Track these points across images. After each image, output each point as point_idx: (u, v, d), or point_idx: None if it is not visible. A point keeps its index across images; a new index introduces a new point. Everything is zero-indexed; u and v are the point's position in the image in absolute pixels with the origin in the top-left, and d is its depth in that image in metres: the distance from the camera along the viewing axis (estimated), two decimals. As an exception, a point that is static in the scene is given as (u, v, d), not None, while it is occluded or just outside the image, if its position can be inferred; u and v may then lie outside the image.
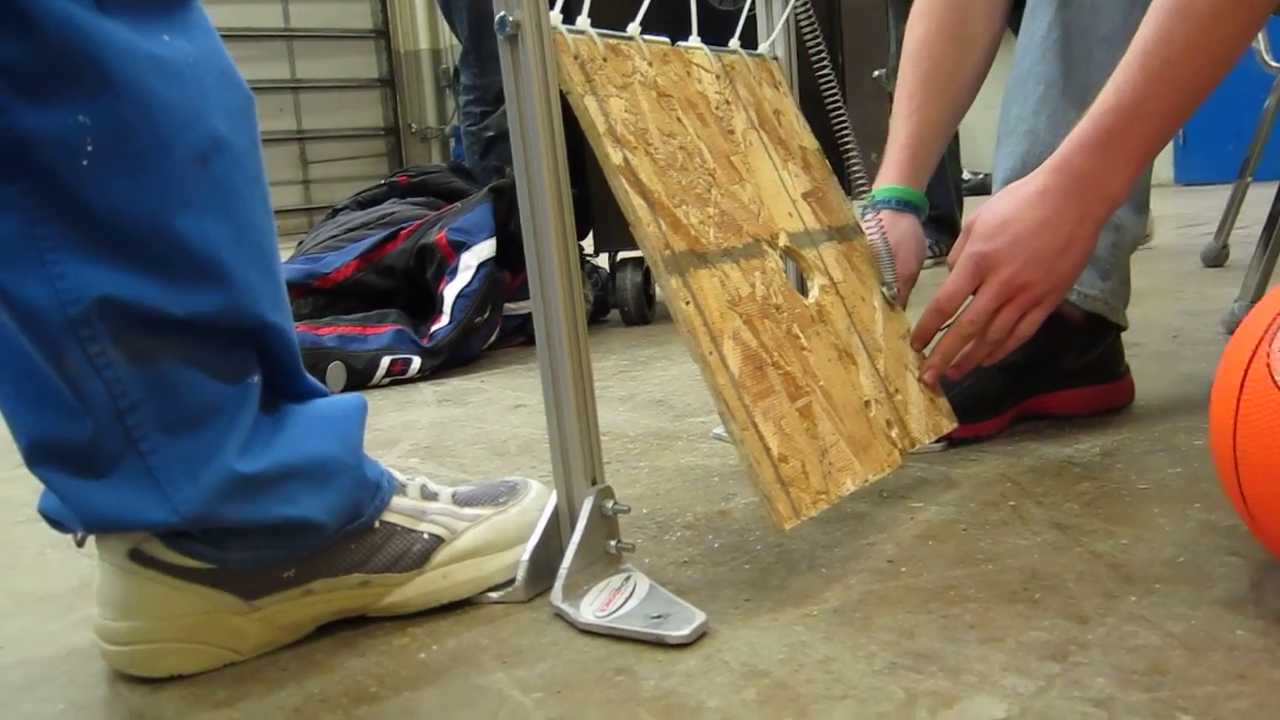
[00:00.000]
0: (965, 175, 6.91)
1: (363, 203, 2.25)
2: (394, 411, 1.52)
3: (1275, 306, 0.69)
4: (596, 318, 2.25)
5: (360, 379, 1.69)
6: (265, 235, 0.71)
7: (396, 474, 0.79)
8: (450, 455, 1.24)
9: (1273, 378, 0.65)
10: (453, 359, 1.79)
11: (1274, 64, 2.22)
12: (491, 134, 2.40)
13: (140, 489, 0.65)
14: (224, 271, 0.66)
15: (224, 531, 0.69)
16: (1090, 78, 1.10)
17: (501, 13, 0.73)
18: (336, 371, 1.67)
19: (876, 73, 8.42)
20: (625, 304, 2.15)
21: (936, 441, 1.07)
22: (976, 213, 1.00)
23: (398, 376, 1.72)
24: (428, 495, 0.80)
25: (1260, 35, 2.21)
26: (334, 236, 2.06)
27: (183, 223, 0.64)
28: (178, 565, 0.69)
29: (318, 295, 1.91)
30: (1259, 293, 1.61)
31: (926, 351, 1.03)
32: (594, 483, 0.78)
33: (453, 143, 10.30)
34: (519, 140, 0.75)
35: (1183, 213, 4.12)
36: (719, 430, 1.22)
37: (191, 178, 0.65)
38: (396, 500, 0.77)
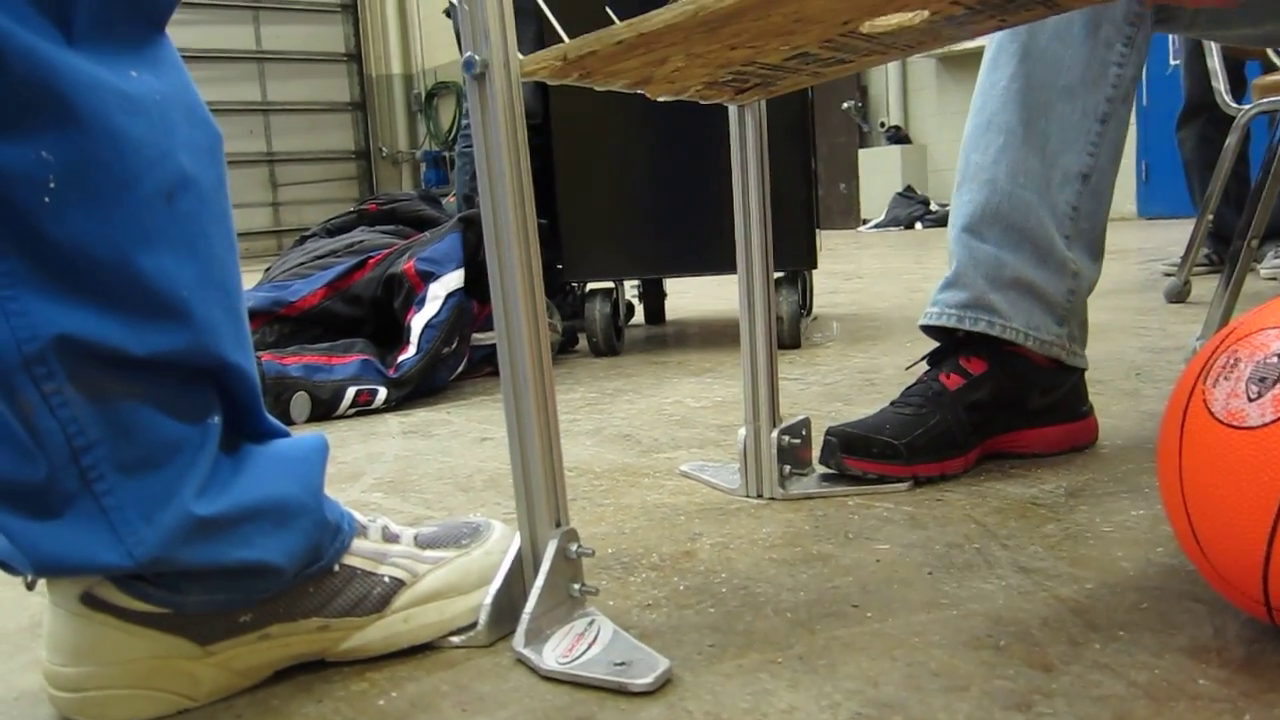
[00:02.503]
0: (932, 207, 7.01)
1: (331, 230, 2.25)
2: (359, 443, 1.51)
3: (1212, 347, 0.69)
4: (566, 348, 2.24)
5: (325, 409, 1.68)
6: (229, 274, 0.70)
7: (358, 515, 0.78)
8: (415, 490, 1.23)
9: (1210, 413, 0.66)
10: (419, 390, 1.78)
11: (1234, 105, 2.26)
12: None
13: (94, 531, 0.64)
14: (187, 310, 0.65)
15: (179, 575, 0.67)
16: (1049, 128, 1.12)
17: (469, 52, 0.73)
18: (301, 402, 1.66)
19: (846, 104, 8.54)
20: (594, 335, 2.15)
21: (902, 480, 1.08)
22: None
23: (363, 407, 1.71)
24: (389, 537, 0.79)
25: (1221, 76, 2.25)
26: (302, 264, 2.05)
27: (146, 260, 0.63)
28: (131, 609, 0.67)
29: (284, 323, 1.90)
30: (1222, 323, 1.63)
31: None
32: (558, 525, 0.78)
33: (423, 167, 10.30)
34: (485, 177, 0.75)
35: (1145, 247, 4.18)
36: (686, 467, 1.22)
37: (156, 215, 0.64)
38: (357, 543, 0.76)
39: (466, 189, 2.38)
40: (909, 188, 7.24)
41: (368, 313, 1.91)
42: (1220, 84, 2.30)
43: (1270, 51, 1.89)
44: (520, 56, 0.76)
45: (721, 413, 1.53)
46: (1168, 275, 2.80)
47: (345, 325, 1.90)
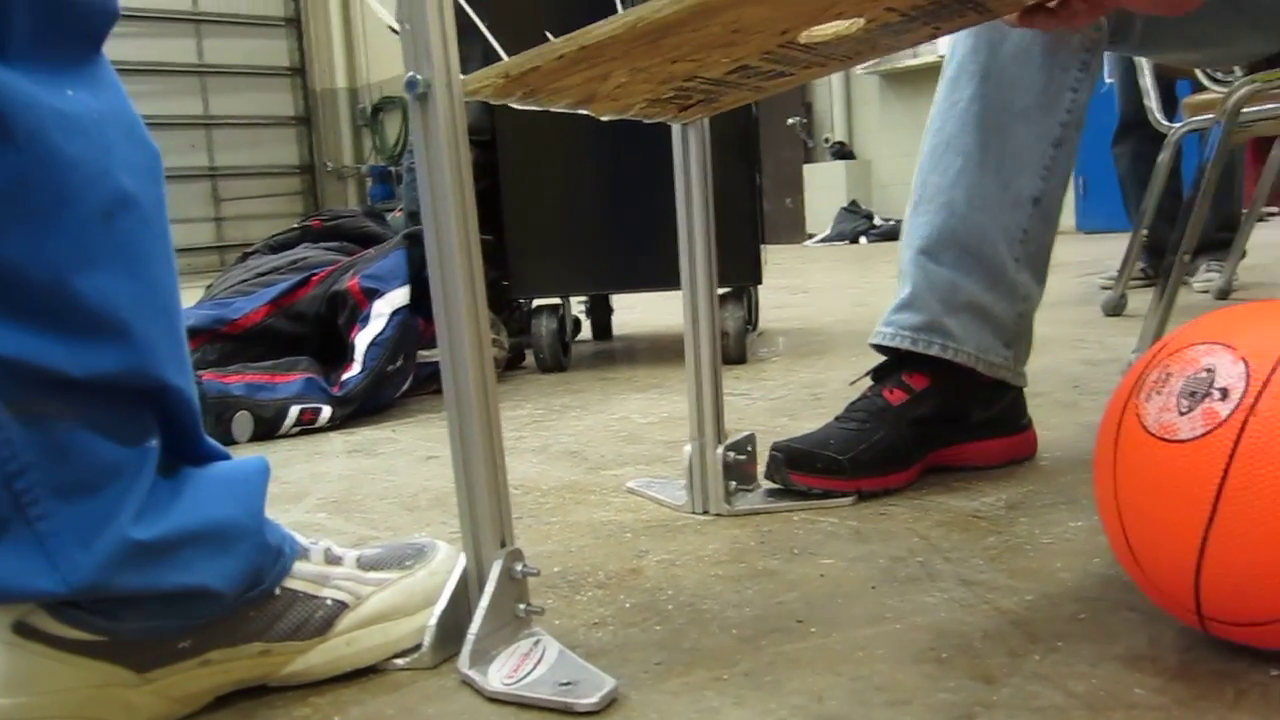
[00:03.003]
0: (877, 221, 7.09)
1: (274, 246, 2.22)
2: (303, 463, 1.49)
3: (1145, 361, 0.71)
4: (512, 365, 2.24)
5: (268, 428, 1.66)
6: (169, 295, 0.69)
7: (299, 538, 0.77)
8: (359, 510, 1.21)
9: (1143, 427, 0.67)
10: (364, 408, 1.76)
11: (1166, 123, 2.31)
12: None
13: (26, 557, 0.63)
14: (125, 331, 0.64)
15: (116, 601, 0.66)
16: (1006, 151, 1.13)
17: (411, 72, 0.73)
18: (243, 421, 1.63)
19: (791, 120, 8.61)
20: (541, 351, 2.14)
21: (847, 495, 1.09)
22: None
23: (307, 426, 1.69)
24: (332, 559, 0.78)
25: (1154, 95, 2.31)
26: (244, 281, 2.03)
27: (83, 281, 0.62)
28: (66, 638, 0.66)
29: (225, 341, 1.87)
30: (1157, 335, 1.66)
31: None
32: (503, 545, 0.77)
33: (369, 182, 10.22)
34: (428, 197, 0.75)
35: (1084, 260, 4.26)
36: (633, 483, 1.22)
37: (94, 235, 0.63)
38: (299, 565, 0.75)
39: (413, 205, 2.36)
40: (854, 202, 7.31)
41: (311, 330, 1.89)
42: (1153, 102, 2.36)
43: (1199, 72, 1.94)
44: (463, 75, 0.76)
45: (669, 428, 1.54)
46: (1105, 288, 2.85)
47: (289, 343, 1.88)
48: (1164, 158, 2.44)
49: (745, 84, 0.96)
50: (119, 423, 0.66)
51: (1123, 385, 0.72)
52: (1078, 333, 2.24)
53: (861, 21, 0.82)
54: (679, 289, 1.10)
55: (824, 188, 7.51)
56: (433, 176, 0.74)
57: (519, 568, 0.78)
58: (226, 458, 0.75)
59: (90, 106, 0.64)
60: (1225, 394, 0.64)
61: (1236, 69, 1.62)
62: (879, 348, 1.19)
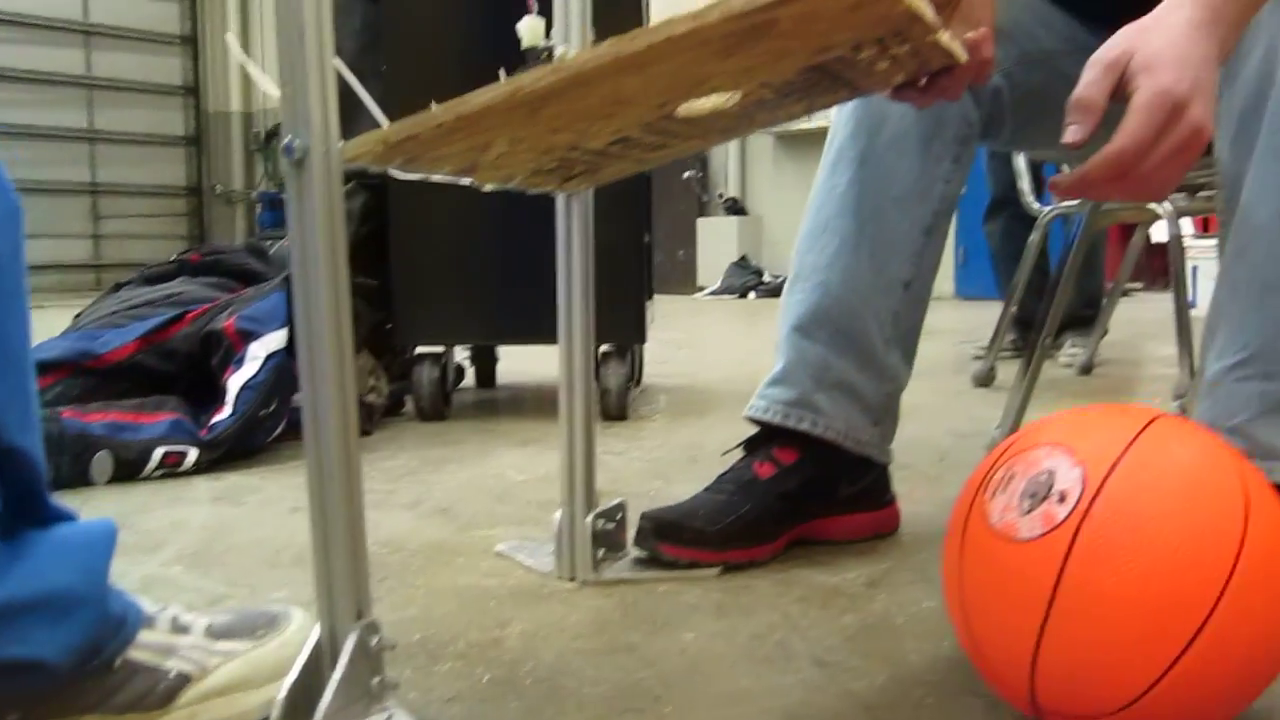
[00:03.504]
0: (766, 277, 7.22)
1: (150, 278, 2.15)
2: (163, 509, 1.44)
3: (992, 459, 0.74)
4: (392, 412, 2.21)
5: (129, 470, 1.60)
6: (19, 350, 0.67)
7: (145, 604, 0.75)
8: (218, 564, 1.18)
9: (988, 524, 0.70)
10: (233, 452, 1.72)
11: (1036, 206, 2.42)
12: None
13: None
14: (-35, 388, 0.62)
15: (-60, 672, 0.63)
16: (880, 235, 1.17)
17: (289, 136, 0.72)
18: (103, 461, 1.58)
19: (686, 174, 8.74)
20: (421, 400, 2.12)
21: (713, 566, 1.10)
22: (1128, 43, 0.83)
23: (171, 469, 1.63)
24: (179, 628, 0.76)
25: (1026, 178, 2.41)
26: (115, 313, 1.96)
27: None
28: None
29: (90, 376, 1.80)
30: (1018, 419, 1.73)
31: None
32: (359, 616, 0.76)
33: (259, 208, 10.01)
34: (299, 266, 0.74)
35: (960, 327, 4.40)
36: (502, 546, 1.21)
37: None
38: (143, 635, 0.73)
39: None
40: (744, 257, 7.44)
41: (182, 369, 1.84)
42: (1025, 185, 2.47)
43: (1066, 166, 2.04)
44: (342, 141, 0.76)
45: (543, 487, 1.53)
46: (977, 358, 2.96)
47: (157, 381, 1.82)
48: (1034, 238, 2.55)
49: (627, 155, 0.97)
50: (-46, 484, 0.63)
51: (971, 480, 0.75)
52: (948, 403, 2.31)
53: (737, 97, 0.84)
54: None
55: (716, 241, 7.63)
56: (305, 242, 0.74)
57: (375, 640, 0.76)
58: (72, 519, 0.73)
59: None
60: (1063, 497, 0.67)
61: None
62: (752, 419, 1.21)
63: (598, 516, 1.10)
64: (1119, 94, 0.82)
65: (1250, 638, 0.64)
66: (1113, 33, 1.19)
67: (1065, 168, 2.06)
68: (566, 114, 0.79)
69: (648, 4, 2.22)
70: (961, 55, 0.89)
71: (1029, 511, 0.68)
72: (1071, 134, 0.83)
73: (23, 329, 0.67)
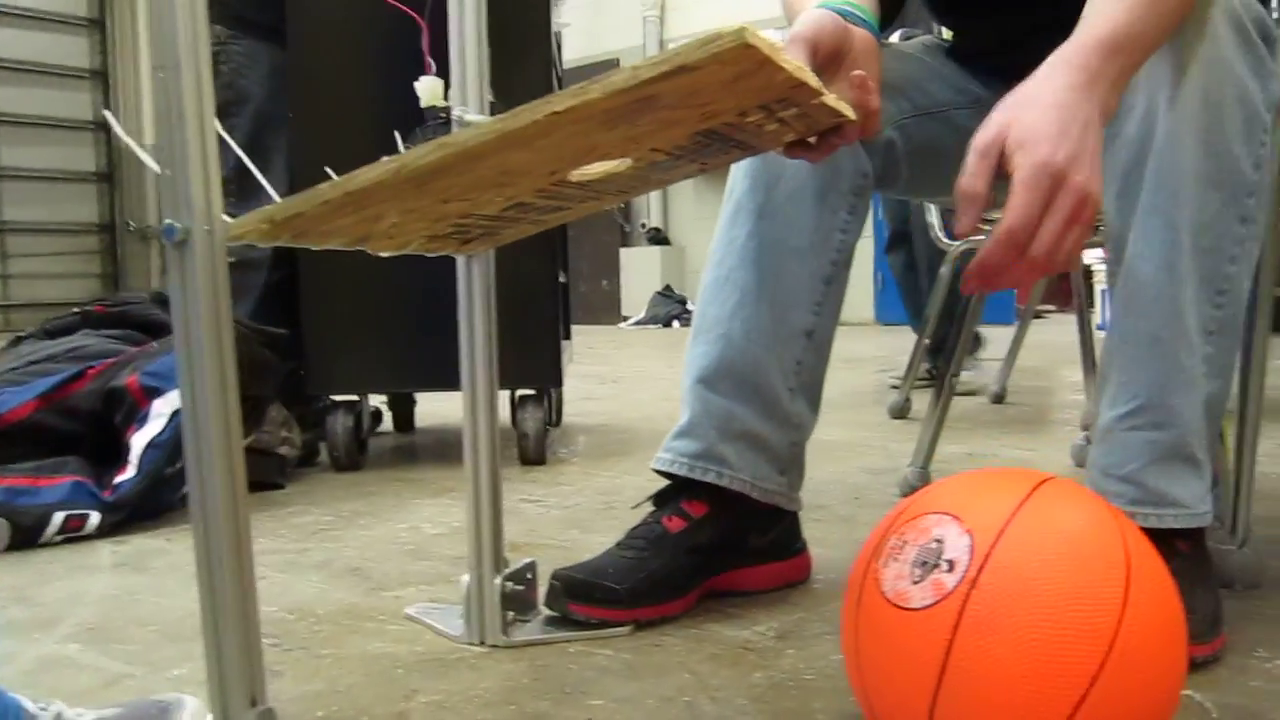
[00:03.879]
0: (690, 306, 7.26)
1: (51, 331, 2.10)
2: (62, 579, 1.40)
3: (885, 526, 0.75)
4: (306, 462, 2.17)
5: (27, 537, 1.55)
6: None
7: (28, 704, 0.73)
8: (118, 640, 1.14)
9: (881, 592, 0.71)
10: (139, 513, 1.67)
11: (945, 241, 2.47)
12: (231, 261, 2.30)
13: None
14: None
15: None
16: (781, 285, 1.19)
17: (169, 220, 0.71)
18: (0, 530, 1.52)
19: (643, 222, 8.69)
20: (336, 449, 2.09)
21: (624, 625, 1.10)
22: (1003, 120, 0.85)
23: (73, 534, 1.59)
24: (63, 725, 0.73)
25: (934, 212, 2.46)
26: (14, 369, 1.90)
27: None
28: None
29: (-12, 437, 1.75)
30: (928, 457, 1.76)
31: None
32: (254, 704, 0.74)
33: (174, 245, 9.79)
34: (183, 351, 0.72)
35: (880, 354, 4.47)
36: (412, 609, 1.19)
37: None
38: (24, 736, 0.70)
39: None
40: (668, 287, 7.49)
41: (85, 427, 1.78)
42: (934, 219, 2.52)
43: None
44: (227, 219, 0.75)
45: (458, 541, 1.51)
46: (894, 388, 2.99)
47: (59, 440, 1.77)
48: (944, 271, 2.60)
49: (524, 219, 0.97)
50: None
51: (866, 547, 0.76)
52: (864, 437, 2.34)
53: (629, 161, 0.85)
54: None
55: (639, 272, 7.67)
56: (189, 326, 0.72)
57: (270, 729, 0.75)
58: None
59: None
60: (952, 566, 0.68)
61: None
62: (659, 472, 1.21)
63: (507, 578, 1.09)
64: (1001, 174, 0.84)
65: (1135, 697, 0.66)
66: (1004, 85, 1.23)
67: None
68: (456, 186, 0.78)
69: (558, 61, 2.23)
70: (849, 113, 0.91)
71: (919, 580, 0.68)
72: (960, 226, 0.84)
73: None
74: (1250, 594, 1.18)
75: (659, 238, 7.89)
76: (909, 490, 1.72)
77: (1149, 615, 0.66)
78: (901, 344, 4.63)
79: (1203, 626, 0.97)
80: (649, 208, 7.94)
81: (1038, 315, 6.58)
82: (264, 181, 0.84)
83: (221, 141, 2.17)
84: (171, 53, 0.70)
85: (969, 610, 0.66)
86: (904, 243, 3.21)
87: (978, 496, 0.72)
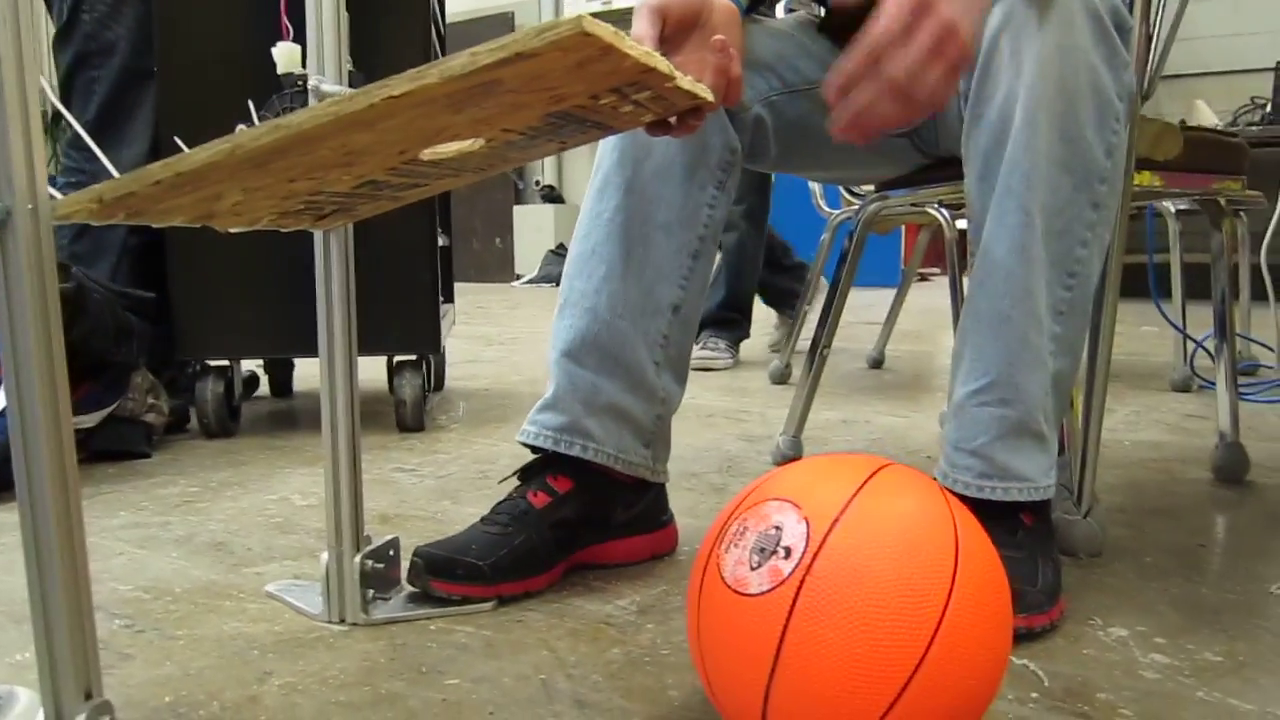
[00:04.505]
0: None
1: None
2: (-96, 556, 1.34)
3: (729, 511, 0.76)
4: (176, 429, 2.11)
5: None
6: None
7: None
8: (-42, 622, 1.10)
9: (721, 577, 0.72)
10: (-9, 484, 1.61)
11: (826, 209, 2.51)
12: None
13: None
14: None
15: None
16: (648, 260, 1.19)
17: (-12, 198, 0.68)
18: None
19: (537, 180, 8.59)
20: (206, 416, 2.04)
21: (487, 600, 1.10)
22: None
23: (-82, 507, 1.52)
24: (-120, 724, 0.70)
25: (817, 185, 2.50)
26: None
27: None
28: None
29: None
30: (800, 424, 1.79)
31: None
32: (89, 697, 0.73)
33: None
34: (7, 332, 0.69)
35: (766, 316, 4.51)
36: (272, 587, 1.18)
37: None
38: None
39: (64, 255, 2.17)
40: (561, 245, 7.45)
41: (-68, 395, 1.71)
42: (816, 191, 2.55)
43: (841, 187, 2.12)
44: (56, 195, 0.72)
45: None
46: (775, 351, 3.04)
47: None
48: (825, 238, 2.65)
49: (380, 195, 0.95)
50: None
51: (710, 533, 0.77)
52: (743, 404, 2.37)
53: (482, 141, 0.84)
54: (362, 355, 1.07)
55: (533, 230, 7.61)
56: (13, 309, 0.69)
57: (105, 721, 0.73)
58: None
59: None
60: (789, 552, 0.69)
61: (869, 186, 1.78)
62: (525, 445, 1.21)
63: (367, 556, 1.08)
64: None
65: (960, 679, 0.68)
66: None
67: (843, 191, 2.14)
68: (299, 165, 0.76)
69: (440, 18, 2.18)
70: (707, 95, 0.91)
71: (758, 566, 0.70)
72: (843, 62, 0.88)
73: None
74: (1092, 562, 1.23)
75: (553, 195, 7.84)
76: (781, 459, 1.75)
77: (974, 601, 0.69)
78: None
79: (1041, 598, 1.01)
80: (543, 166, 7.87)
81: (921, 278, 6.74)
82: (108, 163, 0.81)
83: (79, 95, 2.09)
84: (-14, 21, 0.67)
85: (803, 596, 0.67)
86: (737, 226, 3.07)
87: (817, 484, 0.74)
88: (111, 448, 1.86)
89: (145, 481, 1.72)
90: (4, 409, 1.60)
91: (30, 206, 0.69)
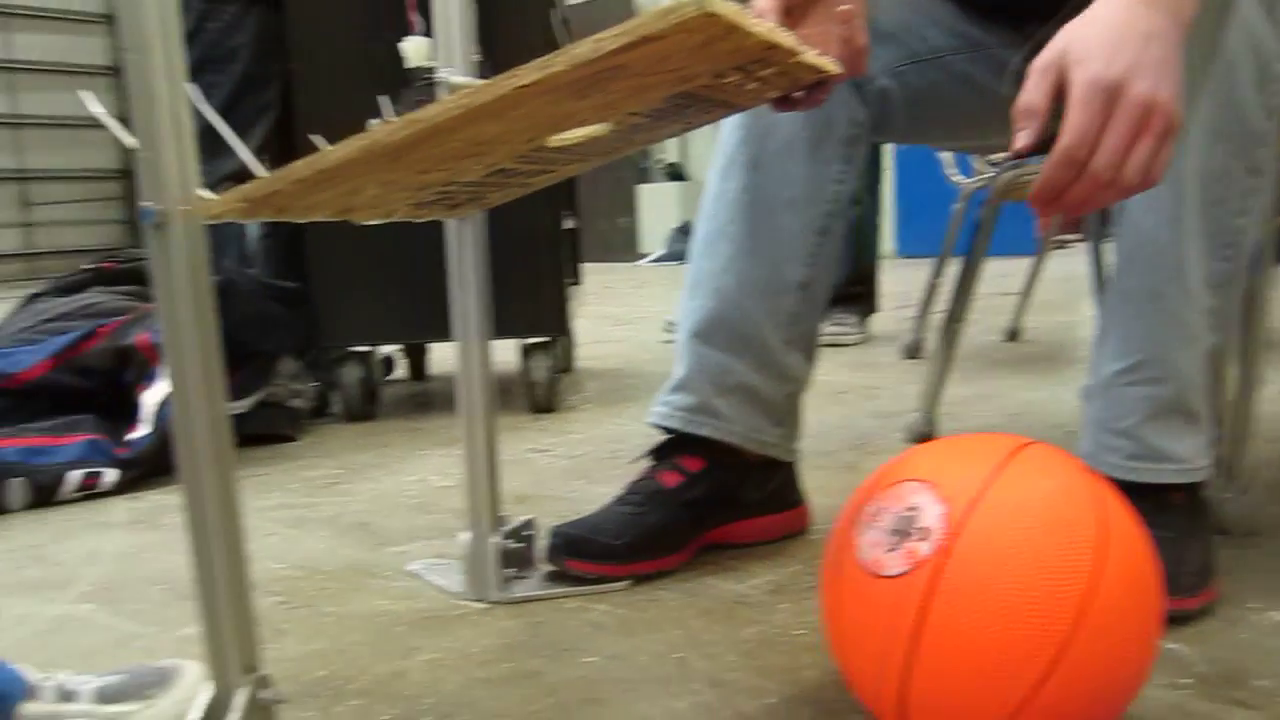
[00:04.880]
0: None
1: (63, 288, 2.11)
2: (79, 536, 1.43)
3: (864, 492, 0.75)
4: (319, 413, 2.19)
5: (45, 495, 1.58)
6: None
7: (30, 676, 0.75)
8: (129, 600, 1.17)
9: (857, 559, 0.72)
10: (156, 468, 1.70)
11: (958, 178, 2.44)
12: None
13: None
14: None
15: None
16: (775, 238, 1.18)
17: (146, 203, 0.72)
18: (17, 489, 1.56)
19: (660, 158, 8.63)
20: (347, 399, 2.11)
21: (621, 579, 1.11)
22: (1062, 42, 0.81)
23: (90, 491, 1.62)
24: (65, 695, 0.76)
25: (948, 154, 2.43)
26: (28, 328, 1.93)
27: None
28: None
29: (3, 397, 1.78)
30: (934, 398, 1.76)
31: None
32: (250, 670, 0.76)
33: (194, 189, 9.80)
34: (168, 330, 0.73)
35: (898, 290, 4.43)
36: (414, 566, 1.22)
37: None
38: (27, 708, 0.73)
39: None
40: (686, 223, 7.44)
41: (98, 385, 1.81)
42: (948, 156, 2.49)
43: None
44: (209, 195, 0.75)
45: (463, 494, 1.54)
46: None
47: (73, 398, 1.80)
48: (958, 208, 2.58)
49: (510, 182, 0.97)
50: None
51: (845, 514, 0.76)
52: (875, 379, 2.34)
53: (608, 125, 0.84)
54: (494, 339, 1.10)
55: (657, 208, 7.63)
56: (172, 306, 0.73)
57: (266, 695, 0.77)
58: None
59: None
60: (926, 534, 0.68)
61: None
62: (655, 426, 1.22)
63: (506, 535, 1.11)
64: (1061, 95, 0.81)
65: (1107, 663, 0.67)
66: (1007, 27, 1.20)
67: (971, 158, 2.08)
68: (431, 157, 0.78)
69: (562, 19, 2.20)
70: (832, 68, 0.89)
71: (894, 548, 0.69)
72: (1020, 140, 0.82)
73: None
74: (1248, 542, 1.18)
75: (677, 173, 7.83)
76: (915, 437, 1.72)
77: (1123, 584, 0.67)
78: (922, 278, 4.59)
79: (1192, 579, 0.97)
80: (666, 143, 7.87)
81: (1060, 246, 6.50)
82: (244, 153, 0.84)
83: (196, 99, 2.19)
84: (141, 35, 0.70)
85: (942, 579, 0.66)
86: None
87: (954, 464, 0.72)
88: (261, 432, 1.94)
89: (293, 464, 1.79)
90: (167, 398, 1.69)
91: (184, 208, 0.73)
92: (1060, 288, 4.13)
